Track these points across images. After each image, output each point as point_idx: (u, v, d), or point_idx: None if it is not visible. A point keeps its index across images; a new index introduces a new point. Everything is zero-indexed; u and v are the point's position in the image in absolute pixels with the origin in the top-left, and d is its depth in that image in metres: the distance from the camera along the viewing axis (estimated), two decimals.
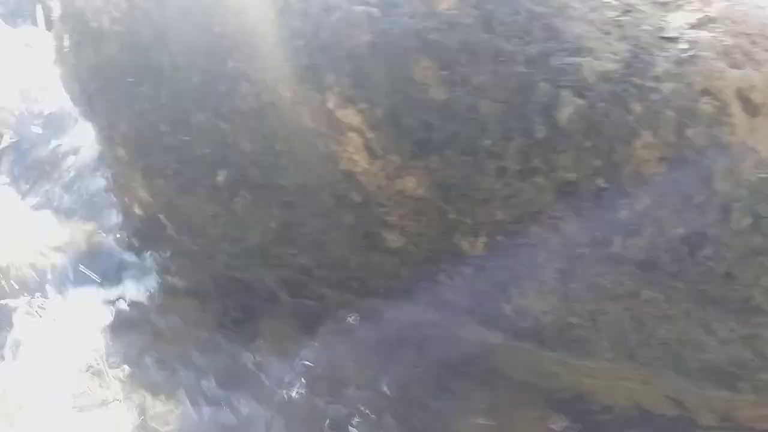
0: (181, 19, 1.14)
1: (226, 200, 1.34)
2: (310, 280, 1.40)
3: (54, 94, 2.14)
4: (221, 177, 1.30)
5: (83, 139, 1.97)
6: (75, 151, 1.93)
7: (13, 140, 1.92)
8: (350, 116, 0.95)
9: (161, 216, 1.47)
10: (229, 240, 1.41)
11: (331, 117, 0.98)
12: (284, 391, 1.22)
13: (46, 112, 2.07)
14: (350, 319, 1.35)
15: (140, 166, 1.38)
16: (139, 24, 1.19)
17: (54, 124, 2.05)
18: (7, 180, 1.85)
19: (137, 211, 1.49)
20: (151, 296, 1.54)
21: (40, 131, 2.02)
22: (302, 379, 1.30)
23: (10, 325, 1.41)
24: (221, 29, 1.10)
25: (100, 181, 1.79)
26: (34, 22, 2.78)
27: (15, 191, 1.83)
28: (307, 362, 1.31)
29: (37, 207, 1.74)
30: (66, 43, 1.51)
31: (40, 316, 1.47)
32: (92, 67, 1.31)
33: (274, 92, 1.07)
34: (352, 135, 0.97)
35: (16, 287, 1.51)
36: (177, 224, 1.46)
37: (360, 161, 1.00)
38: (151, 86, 1.26)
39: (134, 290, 1.54)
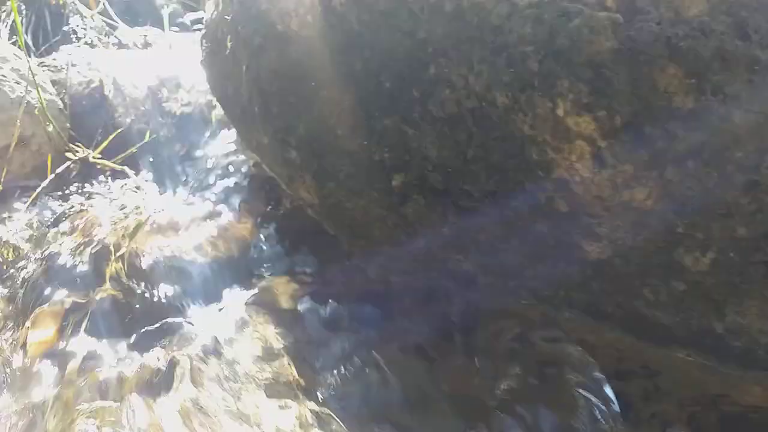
0: (382, 24, 1.14)
1: (397, 204, 1.33)
2: (473, 287, 1.38)
3: (183, 94, 2.20)
4: (396, 181, 1.30)
5: (218, 138, 2.02)
6: (212, 150, 1.98)
7: (153, 137, 1.98)
8: (583, 124, 0.93)
9: (325, 218, 1.48)
10: (394, 243, 1.41)
11: (558, 124, 0.96)
12: None
13: (176, 111, 2.13)
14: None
15: (312, 168, 1.39)
16: (333, 28, 1.20)
17: (185, 123, 2.11)
18: (149, 176, 1.91)
19: (298, 211, 1.51)
20: (299, 294, 1.54)
21: (174, 130, 2.07)
22: None
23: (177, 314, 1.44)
24: (428, 35, 1.09)
25: (241, 180, 1.83)
26: (156, 23, 2.88)
27: (158, 187, 1.88)
28: None
29: (179, 203, 1.78)
30: (230, 44, 1.54)
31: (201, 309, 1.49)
32: (274, 70, 1.33)
33: (483, 99, 1.05)
34: (581, 143, 0.95)
35: (171, 281, 1.53)
36: (340, 226, 1.47)
37: (581, 170, 0.97)
38: (335, 91, 1.27)
39: (285, 288, 1.55)
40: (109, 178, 1.87)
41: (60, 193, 1.76)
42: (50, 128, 1.85)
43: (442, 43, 1.08)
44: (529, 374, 1.19)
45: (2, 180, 1.71)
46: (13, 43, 2.22)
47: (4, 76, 1.81)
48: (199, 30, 3.38)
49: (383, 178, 1.31)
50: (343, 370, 1.35)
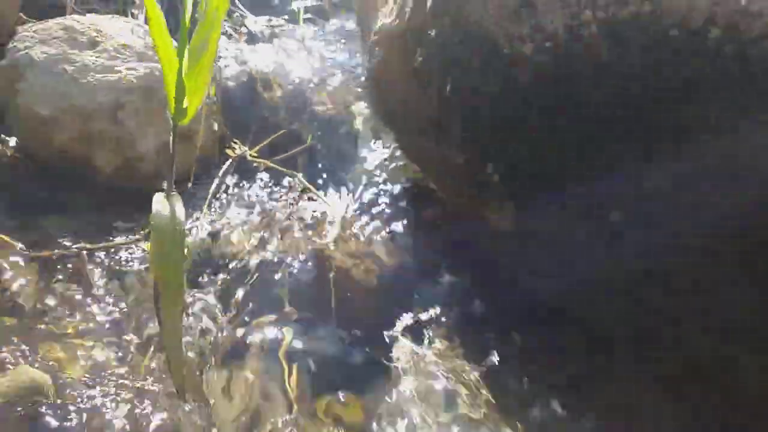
0: (637, 56, 1.11)
1: (603, 239, 1.31)
2: (670, 327, 1.35)
3: (327, 95, 2.20)
4: (614, 218, 1.27)
5: (370, 147, 2.01)
6: (368, 158, 1.97)
7: (312, 142, 1.98)
8: None
9: (514, 242, 1.47)
10: (581, 274, 1.39)
11: None
12: None
13: (323, 114, 2.13)
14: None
15: (514, 191, 1.37)
16: (574, 58, 1.18)
17: (332, 126, 2.11)
18: (307, 179, 1.90)
19: (483, 231, 1.50)
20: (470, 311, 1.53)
21: (323, 132, 2.07)
22: None
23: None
24: (692, 75, 1.06)
25: (403, 193, 1.82)
26: (270, 12, 2.85)
27: (321, 191, 1.87)
28: None
29: (352, 210, 1.77)
30: (420, 59, 1.52)
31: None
32: (491, 93, 1.31)
33: (754, 144, 1.02)
34: None
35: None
36: (535, 255, 1.46)
37: None
38: (560, 119, 1.24)
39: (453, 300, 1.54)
40: (267, 177, 1.87)
41: (231, 192, 1.77)
42: (215, 125, 1.87)
43: (707, 84, 1.05)
44: None
45: (168, 175, 1.73)
46: None
47: None
48: (311, 19, 3.32)
49: (600, 211, 1.29)
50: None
